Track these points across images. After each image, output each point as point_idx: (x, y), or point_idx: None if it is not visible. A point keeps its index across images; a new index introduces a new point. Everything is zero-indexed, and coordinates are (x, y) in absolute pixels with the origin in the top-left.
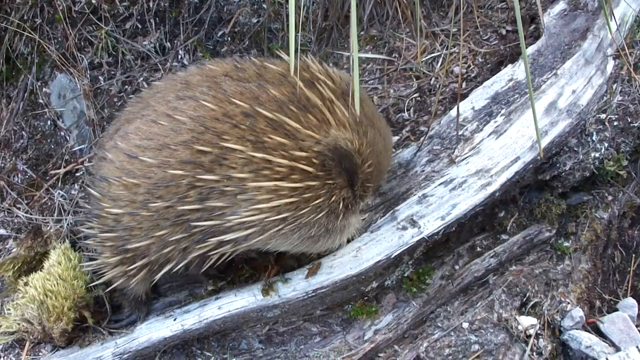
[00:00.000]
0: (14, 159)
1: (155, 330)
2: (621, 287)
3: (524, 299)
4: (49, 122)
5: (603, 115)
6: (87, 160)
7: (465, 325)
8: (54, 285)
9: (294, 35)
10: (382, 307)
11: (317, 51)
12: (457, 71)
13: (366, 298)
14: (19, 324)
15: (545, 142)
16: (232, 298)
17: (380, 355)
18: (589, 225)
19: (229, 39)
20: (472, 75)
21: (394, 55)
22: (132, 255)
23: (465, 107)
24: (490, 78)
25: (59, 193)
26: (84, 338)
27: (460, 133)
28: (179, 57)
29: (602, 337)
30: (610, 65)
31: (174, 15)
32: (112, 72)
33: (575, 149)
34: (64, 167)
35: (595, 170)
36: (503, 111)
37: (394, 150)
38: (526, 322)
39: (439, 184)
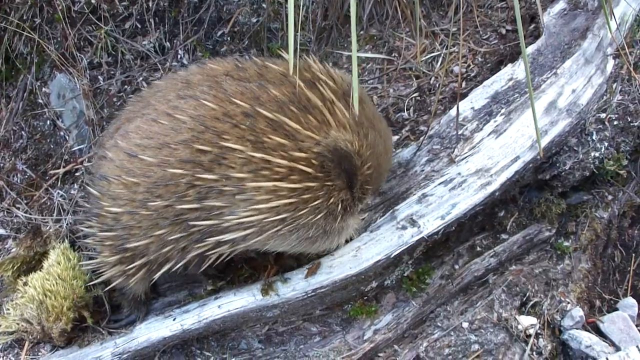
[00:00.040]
0: (13, 158)
1: (155, 330)
2: (621, 287)
3: (524, 299)
4: (48, 122)
5: (603, 115)
6: (86, 160)
7: (465, 324)
8: (53, 285)
9: (294, 35)
10: (381, 307)
11: (317, 51)
12: (456, 70)
13: (366, 298)
14: (18, 324)
15: (545, 141)
16: (232, 298)
17: (380, 355)
18: (589, 224)
19: (229, 38)
20: (472, 74)
21: (393, 54)
22: (131, 255)
23: (465, 107)
24: (490, 77)
25: (58, 193)
26: (83, 338)
27: (460, 132)
28: (179, 56)
29: (602, 336)
30: (610, 64)
31: (174, 15)
32: (112, 72)
33: (575, 148)
34: (64, 167)
35: (595, 170)
36: (503, 110)
37: (393, 150)
38: (526, 321)
39: (439, 184)
